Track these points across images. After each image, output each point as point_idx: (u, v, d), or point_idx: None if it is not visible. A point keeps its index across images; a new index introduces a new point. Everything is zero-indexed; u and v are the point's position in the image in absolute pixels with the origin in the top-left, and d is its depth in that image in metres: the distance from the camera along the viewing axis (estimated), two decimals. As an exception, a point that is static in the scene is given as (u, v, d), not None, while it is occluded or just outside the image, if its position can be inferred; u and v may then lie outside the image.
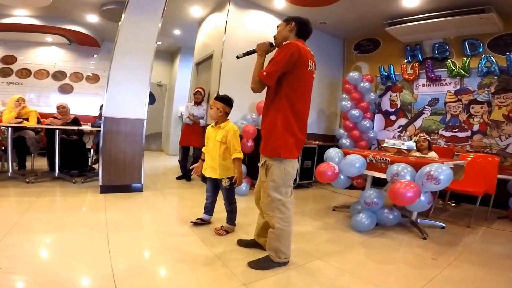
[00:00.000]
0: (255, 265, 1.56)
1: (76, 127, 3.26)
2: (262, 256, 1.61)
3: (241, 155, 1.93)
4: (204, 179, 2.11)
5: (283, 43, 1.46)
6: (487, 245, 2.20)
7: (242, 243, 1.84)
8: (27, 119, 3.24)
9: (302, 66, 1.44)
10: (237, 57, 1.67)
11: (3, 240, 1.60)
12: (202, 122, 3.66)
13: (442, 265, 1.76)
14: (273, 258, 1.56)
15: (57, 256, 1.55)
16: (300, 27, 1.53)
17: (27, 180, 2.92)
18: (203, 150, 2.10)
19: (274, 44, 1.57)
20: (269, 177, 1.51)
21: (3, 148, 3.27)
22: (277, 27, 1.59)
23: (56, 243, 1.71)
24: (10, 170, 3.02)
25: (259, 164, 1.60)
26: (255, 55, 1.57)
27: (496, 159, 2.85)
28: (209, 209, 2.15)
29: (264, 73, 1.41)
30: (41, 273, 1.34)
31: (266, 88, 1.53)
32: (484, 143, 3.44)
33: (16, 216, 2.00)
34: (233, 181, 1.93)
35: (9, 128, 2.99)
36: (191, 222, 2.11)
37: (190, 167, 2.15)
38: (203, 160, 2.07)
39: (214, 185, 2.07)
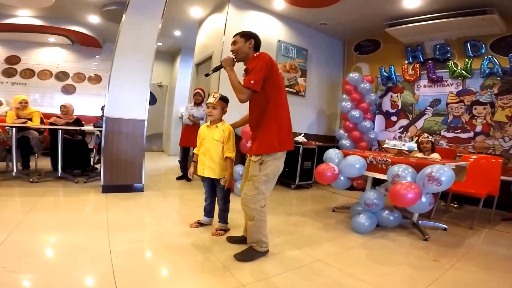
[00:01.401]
0: (241, 257, 1.65)
1: (78, 127, 3.29)
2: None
3: (233, 155, 1.95)
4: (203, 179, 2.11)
5: (254, 55, 1.63)
6: (490, 247, 2.18)
7: (232, 240, 1.89)
8: (31, 120, 3.28)
9: (276, 70, 1.66)
10: (206, 75, 1.77)
11: (7, 239, 1.62)
12: (202, 123, 3.67)
13: (444, 267, 1.75)
14: (257, 248, 1.68)
15: (60, 255, 1.56)
16: (257, 43, 1.70)
17: (31, 180, 2.95)
18: (195, 151, 2.07)
19: (235, 59, 1.68)
20: (263, 171, 1.61)
21: (7, 148, 3.31)
22: (234, 42, 1.69)
23: (59, 242, 1.72)
24: (15, 170, 3.06)
25: (255, 160, 1.63)
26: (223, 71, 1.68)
27: (500, 160, 2.83)
28: (208, 211, 2.14)
29: (252, 81, 1.53)
30: (44, 272, 1.35)
31: None
32: (487, 144, 3.42)
33: (21, 215, 2.02)
34: (223, 181, 1.93)
35: (14, 128, 3.03)
36: (190, 226, 2.10)
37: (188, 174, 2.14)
38: (196, 162, 2.04)
39: (211, 186, 2.06)
